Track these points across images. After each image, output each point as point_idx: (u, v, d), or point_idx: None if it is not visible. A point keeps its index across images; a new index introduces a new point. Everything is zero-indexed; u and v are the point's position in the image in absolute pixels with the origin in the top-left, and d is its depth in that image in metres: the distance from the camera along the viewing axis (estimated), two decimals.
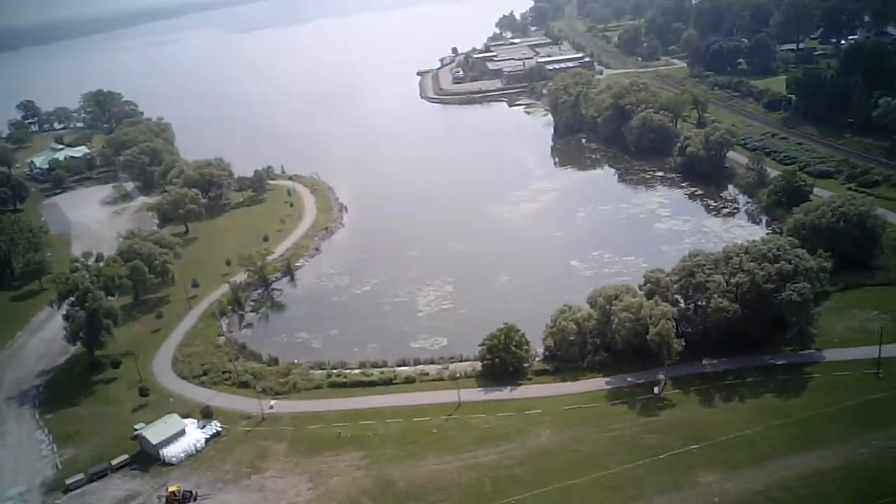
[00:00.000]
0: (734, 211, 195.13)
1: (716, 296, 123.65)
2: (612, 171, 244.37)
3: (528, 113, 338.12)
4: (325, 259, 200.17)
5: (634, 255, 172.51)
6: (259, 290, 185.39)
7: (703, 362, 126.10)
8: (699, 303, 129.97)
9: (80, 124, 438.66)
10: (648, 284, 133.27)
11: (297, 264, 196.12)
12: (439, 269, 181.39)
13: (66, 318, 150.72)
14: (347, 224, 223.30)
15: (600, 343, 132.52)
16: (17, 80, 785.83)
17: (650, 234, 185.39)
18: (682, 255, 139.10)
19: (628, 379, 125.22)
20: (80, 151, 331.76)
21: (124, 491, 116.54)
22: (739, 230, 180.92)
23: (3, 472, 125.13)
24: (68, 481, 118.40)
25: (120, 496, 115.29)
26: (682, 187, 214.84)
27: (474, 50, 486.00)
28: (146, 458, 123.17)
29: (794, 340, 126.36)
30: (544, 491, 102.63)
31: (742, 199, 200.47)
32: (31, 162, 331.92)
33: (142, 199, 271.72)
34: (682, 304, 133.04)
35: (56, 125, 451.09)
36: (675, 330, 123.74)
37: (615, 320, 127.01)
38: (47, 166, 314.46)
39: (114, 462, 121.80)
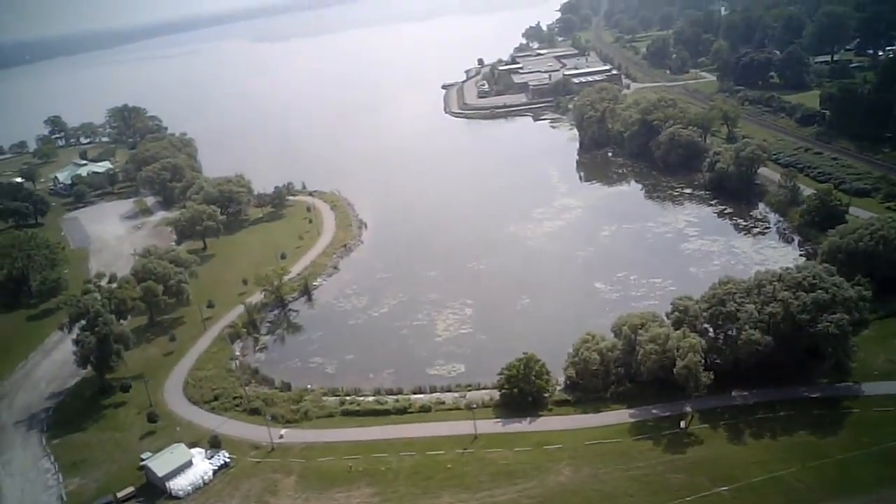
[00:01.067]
0: (765, 230, 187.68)
1: (747, 327, 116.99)
2: (639, 186, 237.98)
3: (553, 127, 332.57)
4: (344, 278, 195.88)
5: (661, 278, 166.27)
6: (275, 311, 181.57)
7: (733, 394, 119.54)
8: (729, 332, 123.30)
9: (105, 139, 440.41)
10: (676, 313, 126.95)
11: (315, 283, 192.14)
12: (459, 290, 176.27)
13: (77, 342, 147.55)
14: (367, 241, 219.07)
15: (624, 373, 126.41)
16: (47, 92, 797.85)
17: (678, 254, 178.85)
18: (712, 279, 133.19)
19: (653, 411, 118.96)
20: (102, 167, 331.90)
21: None
22: (771, 251, 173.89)
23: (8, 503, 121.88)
24: None
25: None
26: (710, 205, 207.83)
27: (500, 61, 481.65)
28: (152, 491, 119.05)
29: (830, 372, 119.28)
30: None
31: (773, 217, 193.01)
32: (55, 177, 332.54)
33: (162, 215, 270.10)
34: (712, 333, 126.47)
35: (82, 140, 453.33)
36: (703, 361, 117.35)
37: (640, 351, 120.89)
38: (70, 181, 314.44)
39: (119, 495, 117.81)
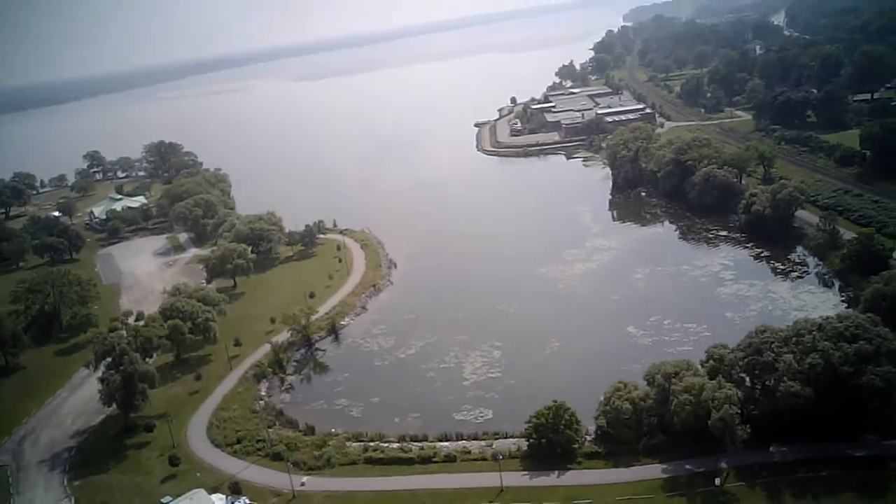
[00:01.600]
0: (804, 274, 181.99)
1: (786, 378, 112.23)
2: (673, 227, 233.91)
3: (586, 166, 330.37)
4: (372, 318, 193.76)
5: (696, 323, 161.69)
6: (302, 350, 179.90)
7: (771, 449, 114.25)
8: (767, 383, 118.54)
9: (141, 173, 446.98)
10: (711, 361, 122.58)
11: (343, 322, 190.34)
12: (488, 332, 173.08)
13: (102, 380, 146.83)
14: (396, 281, 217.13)
15: (657, 424, 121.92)
16: (88, 129, 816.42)
17: (713, 299, 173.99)
18: (748, 325, 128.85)
19: (687, 466, 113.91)
20: (137, 202, 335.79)
21: None
22: (810, 296, 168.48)
23: None
24: None
25: None
26: (747, 247, 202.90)
27: (533, 100, 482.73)
28: None
29: (876, 428, 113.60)
30: None
31: (812, 261, 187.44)
32: (91, 212, 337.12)
33: (193, 251, 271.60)
34: (748, 383, 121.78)
35: (119, 174, 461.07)
36: (739, 412, 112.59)
37: (674, 401, 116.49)
38: (105, 216, 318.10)
39: None
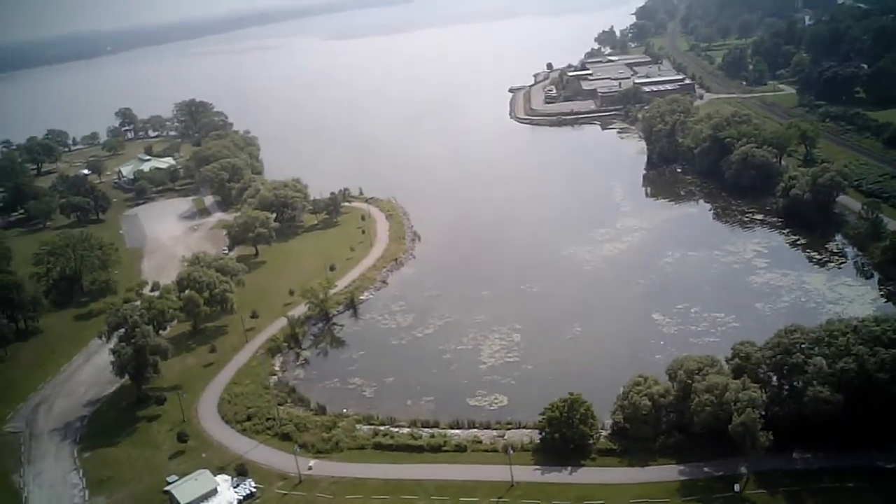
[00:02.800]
0: (841, 265, 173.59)
1: (815, 382, 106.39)
2: (707, 207, 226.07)
3: (621, 138, 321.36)
4: (391, 293, 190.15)
5: (724, 312, 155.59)
6: (319, 324, 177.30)
7: (795, 455, 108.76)
8: (795, 384, 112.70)
9: (172, 133, 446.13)
10: (737, 359, 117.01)
11: (362, 297, 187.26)
12: (509, 313, 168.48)
13: (113, 352, 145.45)
14: (418, 255, 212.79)
15: (676, 421, 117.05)
16: (122, 84, 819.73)
17: (744, 287, 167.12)
18: (779, 317, 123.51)
19: (705, 469, 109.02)
20: (165, 163, 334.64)
21: None
22: (846, 289, 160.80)
23: None
24: None
25: None
26: (782, 233, 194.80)
27: (570, 66, 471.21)
28: None
29: None
30: None
31: (851, 251, 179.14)
32: (119, 171, 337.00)
33: (219, 216, 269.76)
34: (774, 382, 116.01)
35: (150, 133, 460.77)
36: (762, 417, 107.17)
37: (695, 400, 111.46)
38: (132, 177, 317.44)
39: None
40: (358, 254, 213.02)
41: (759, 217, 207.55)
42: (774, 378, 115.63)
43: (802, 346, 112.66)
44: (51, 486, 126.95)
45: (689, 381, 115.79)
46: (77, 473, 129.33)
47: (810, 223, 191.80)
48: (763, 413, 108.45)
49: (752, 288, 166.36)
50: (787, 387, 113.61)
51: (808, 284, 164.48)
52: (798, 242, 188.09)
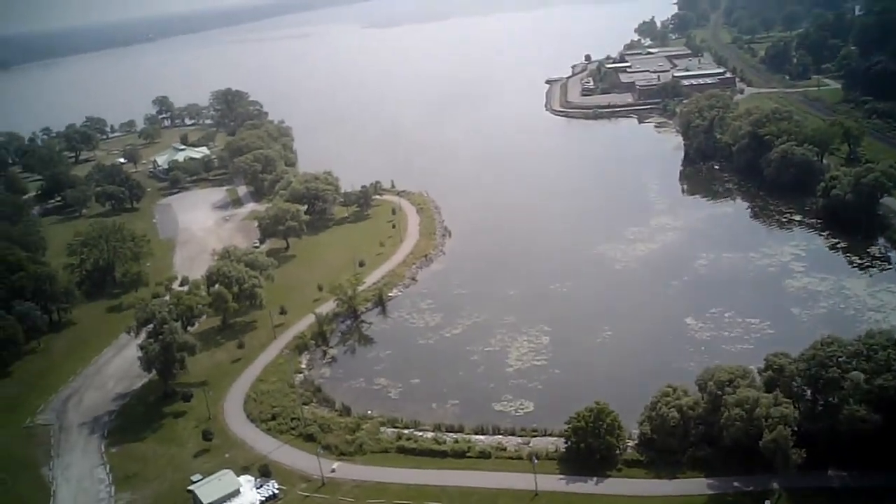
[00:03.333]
0: (883, 270, 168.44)
1: (851, 400, 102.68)
2: (745, 206, 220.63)
3: (658, 132, 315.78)
4: (420, 291, 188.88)
5: (759, 318, 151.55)
6: (348, 321, 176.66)
7: (829, 473, 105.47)
8: (831, 399, 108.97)
9: (208, 121, 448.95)
10: (770, 371, 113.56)
11: (391, 294, 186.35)
12: (538, 314, 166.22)
13: (141, 348, 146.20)
14: (448, 251, 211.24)
15: (705, 434, 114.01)
16: (161, 71, 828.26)
17: (780, 292, 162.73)
18: (816, 324, 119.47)
19: (734, 484, 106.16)
20: (200, 152, 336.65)
21: None
22: (888, 295, 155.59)
23: None
24: None
25: None
26: (822, 235, 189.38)
27: (608, 58, 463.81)
28: None
29: None
30: None
31: (895, 256, 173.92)
32: (154, 160, 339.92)
33: (251, 206, 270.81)
34: (809, 396, 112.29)
35: (187, 121, 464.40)
36: (795, 433, 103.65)
37: (725, 413, 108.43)
38: (167, 166, 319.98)
39: None
40: (388, 249, 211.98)
41: (798, 218, 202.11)
42: (809, 392, 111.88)
43: (839, 359, 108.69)
44: (78, 481, 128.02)
45: (720, 394, 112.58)
46: (104, 469, 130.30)
47: (852, 225, 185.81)
48: (795, 429, 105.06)
49: (788, 293, 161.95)
50: (821, 402, 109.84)
51: (847, 290, 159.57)
52: (838, 245, 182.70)
